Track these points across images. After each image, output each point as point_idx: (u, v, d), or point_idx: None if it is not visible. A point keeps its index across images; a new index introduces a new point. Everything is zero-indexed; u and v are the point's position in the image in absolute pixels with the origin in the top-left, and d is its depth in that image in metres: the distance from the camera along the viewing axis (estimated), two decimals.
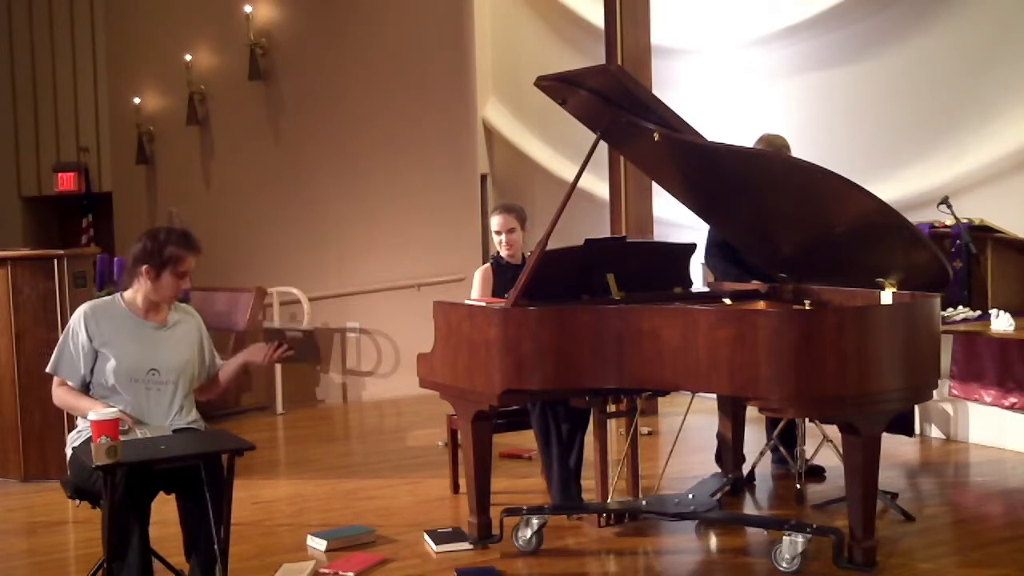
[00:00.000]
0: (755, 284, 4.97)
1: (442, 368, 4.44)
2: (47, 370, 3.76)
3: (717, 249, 5.26)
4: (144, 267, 3.70)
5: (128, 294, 3.79)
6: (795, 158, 4.22)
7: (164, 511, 3.68)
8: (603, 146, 4.77)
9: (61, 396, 3.74)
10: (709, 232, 5.30)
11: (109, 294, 6.33)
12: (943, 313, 4.86)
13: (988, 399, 5.98)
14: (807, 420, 4.98)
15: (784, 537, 4.01)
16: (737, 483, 5.09)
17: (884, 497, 4.64)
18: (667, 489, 4.97)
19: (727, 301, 4.75)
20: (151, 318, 3.78)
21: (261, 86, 9.16)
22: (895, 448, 5.81)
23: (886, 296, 4.28)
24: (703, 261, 5.50)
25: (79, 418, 3.76)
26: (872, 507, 3.99)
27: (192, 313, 3.96)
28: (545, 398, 4.65)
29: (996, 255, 5.59)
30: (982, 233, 5.57)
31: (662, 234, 7.27)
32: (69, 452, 3.74)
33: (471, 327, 4.26)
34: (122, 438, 3.36)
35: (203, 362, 3.89)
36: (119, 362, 3.66)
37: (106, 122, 12.09)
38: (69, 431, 3.87)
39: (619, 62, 6.91)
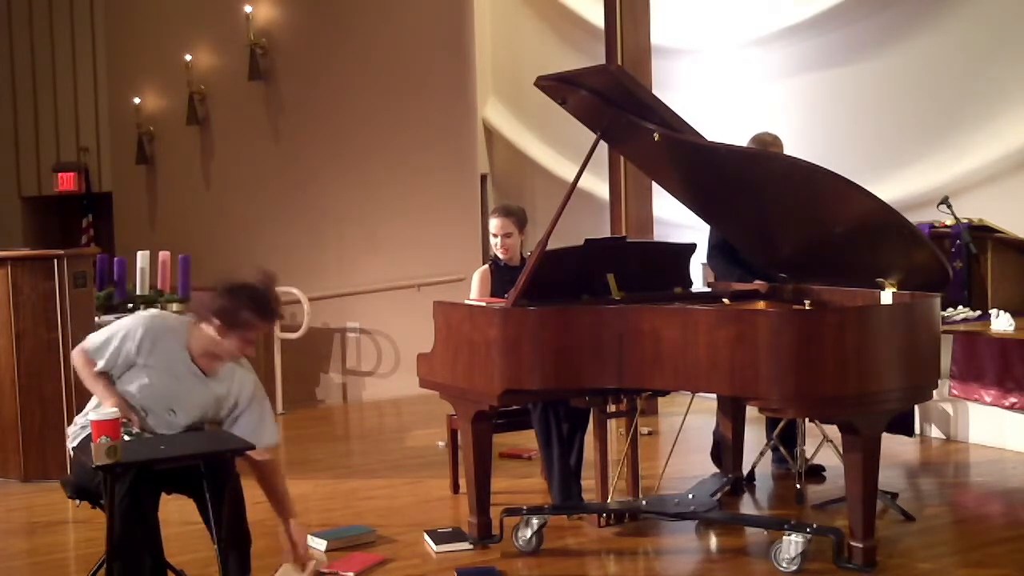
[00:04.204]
0: (758, 283, 4.96)
1: (442, 368, 4.44)
2: (83, 345, 3.68)
3: (719, 250, 5.25)
4: (216, 322, 3.59)
5: (196, 332, 3.66)
6: (795, 158, 4.21)
7: (165, 511, 3.67)
8: (603, 146, 4.77)
9: (82, 366, 3.66)
10: (710, 233, 5.30)
11: (109, 295, 6.39)
12: (943, 313, 4.86)
13: (988, 399, 5.98)
14: (807, 420, 4.98)
15: (784, 537, 4.01)
16: (737, 483, 5.09)
17: (884, 497, 4.64)
18: (667, 489, 4.96)
19: (726, 301, 4.75)
20: (203, 363, 3.68)
21: (261, 86, 9.15)
22: (895, 448, 5.81)
23: (886, 296, 4.29)
24: (705, 261, 5.49)
25: (78, 417, 3.75)
26: (872, 507, 3.99)
27: (245, 379, 3.80)
28: (545, 398, 4.65)
29: (996, 255, 5.59)
30: (982, 233, 5.56)
31: (662, 234, 7.27)
32: (74, 445, 3.71)
33: (471, 327, 4.26)
34: (125, 437, 3.38)
35: (230, 425, 3.76)
36: (146, 389, 3.62)
37: (106, 122, 12.09)
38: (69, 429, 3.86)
39: (619, 62, 6.91)
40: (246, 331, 3.60)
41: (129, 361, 3.63)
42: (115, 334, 3.66)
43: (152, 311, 3.81)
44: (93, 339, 3.70)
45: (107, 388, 3.63)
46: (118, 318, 5.59)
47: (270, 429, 3.84)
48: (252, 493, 3.91)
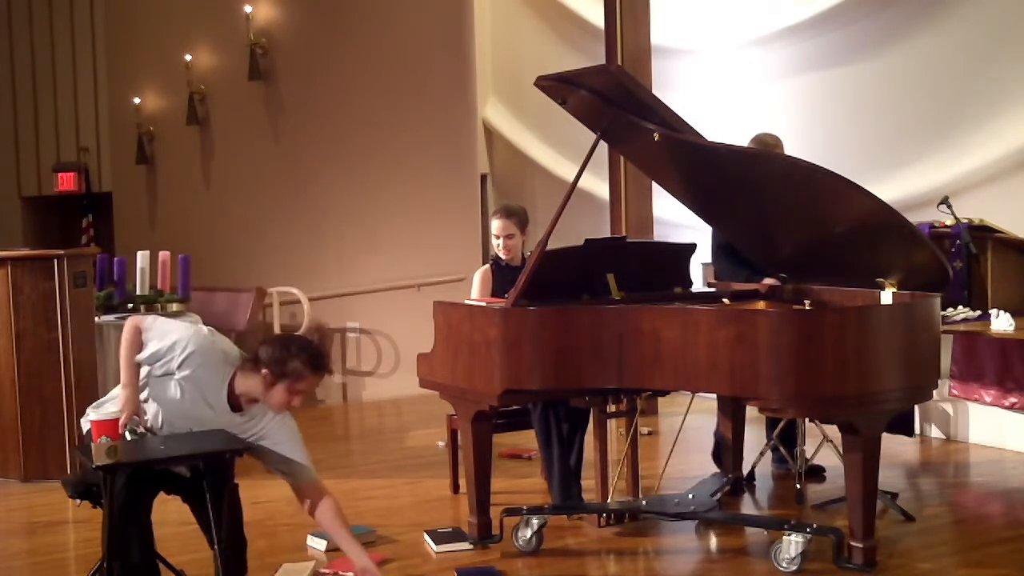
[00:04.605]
0: (768, 282, 4.93)
1: (442, 368, 4.44)
2: (140, 324, 3.61)
3: (724, 251, 5.23)
4: (264, 371, 3.54)
5: (243, 375, 3.61)
6: (795, 158, 4.21)
7: (164, 511, 3.68)
8: (603, 146, 4.77)
9: (129, 340, 3.59)
10: (714, 234, 5.29)
11: (109, 295, 6.39)
12: (943, 313, 4.86)
13: (988, 399, 5.98)
14: (807, 420, 4.98)
15: (784, 537, 4.01)
16: (737, 483, 5.09)
17: (884, 497, 4.63)
18: (667, 489, 4.96)
19: (726, 301, 4.75)
20: (239, 401, 3.64)
21: (261, 86, 9.16)
22: (895, 448, 5.81)
23: (886, 296, 4.29)
24: (709, 262, 5.49)
25: (101, 401, 3.73)
26: (872, 507, 3.99)
27: (281, 423, 3.74)
28: (545, 398, 4.65)
29: (996, 255, 5.59)
30: (982, 233, 5.56)
31: (662, 234, 7.27)
32: (86, 426, 3.69)
33: (471, 327, 4.26)
34: (128, 436, 3.38)
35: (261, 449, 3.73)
36: (173, 404, 3.59)
37: (106, 122, 12.09)
38: (70, 431, 3.85)
39: (619, 62, 6.91)
40: (294, 382, 3.54)
41: (168, 369, 3.58)
42: (169, 333, 3.61)
43: (210, 331, 3.72)
44: (152, 325, 3.64)
45: (134, 377, 3.58)
46: (119, 318, 5.61)
47: (307, 461, 3.82)
48: (250, 494, 3.92)
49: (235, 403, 3.64)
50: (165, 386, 3.59)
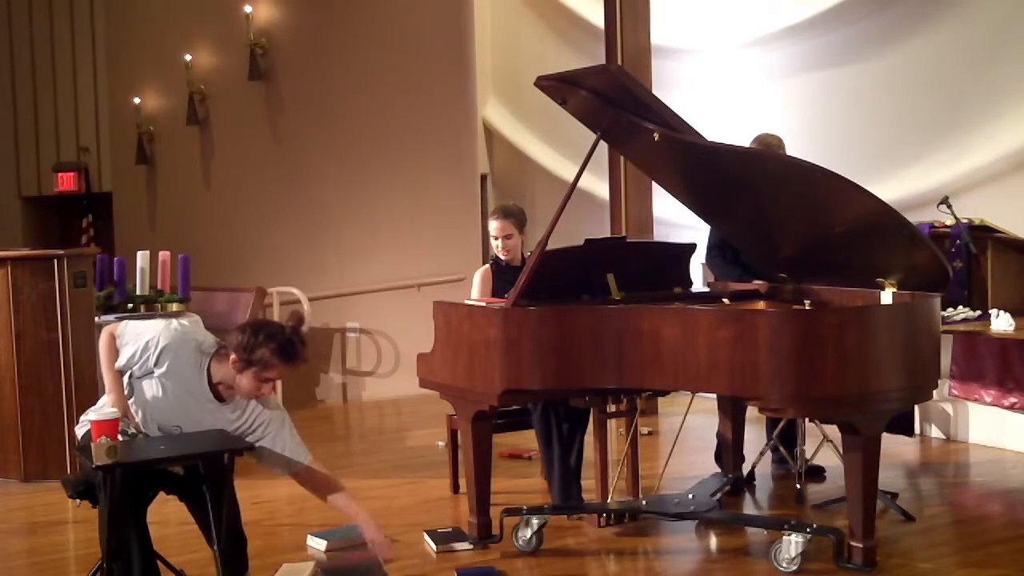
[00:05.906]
0: (756, 284, 4.96)
1: (442, 368, 4.44)
2: (115, 331, 3.64)
3: (718, 250, 5.25)
4: (233, 357, 3.56)
5: (219, 361, 3.63)
6: (795, 158, 4.21)
7: (164, 511, 3.68)
8: (603, 146, 4.77)
9: (106, 348, 3.62)
10: (710, 232, 5.30)
11: (108, 295, 6.39)
12: (943, 313, 4.86)
13: (988, 399, 5.98)
14: (807, 420, 4.98)
15: (784, 537, 4.01)
16: (737, 483, 5.09)
17: (884, 497, 4.63)
18: (667, 489, 4.96)
19: (726, 301, 4.75)
20: (220, 390, 3.65)
21: (261, 86, 9.16)
22: (895, 448, 5.81)
23: (886, 296, 4.29)
24: (704, 261, 5.50)
25: (96, 405, 3.74)
26: (872, 507, 3.99)
27: (268, 411, 3.77)
28: (545, 398, 4.65)
29: (996, 255, 5.59)
30: (982, 233, 5.57)
31: (662, 234, 7.27)
32: (81, 435, 3.70)
33: (471, 327, 4.26)
34: (119, 437, 3.37)
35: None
36: (158, 402, 3.60)
37: (106, 122, 12.09)
38: (69, 431, 3.86)
39: (619, 62, 6.91)
40: (261, 370, 3.54)
41: (147, 369, 3.61)
42: (141, 335, 3.63)
43: (181, 325, 3.73)
44: (124, 330, 3.66)
45: (116, 382, 3.61)
46: (119, 318, 5.61)
47: (302, 449, 3.86)
48: (250, 494, 3.93)
49: (217, 392, 3.65)
50: (148, 386, 3.61)
